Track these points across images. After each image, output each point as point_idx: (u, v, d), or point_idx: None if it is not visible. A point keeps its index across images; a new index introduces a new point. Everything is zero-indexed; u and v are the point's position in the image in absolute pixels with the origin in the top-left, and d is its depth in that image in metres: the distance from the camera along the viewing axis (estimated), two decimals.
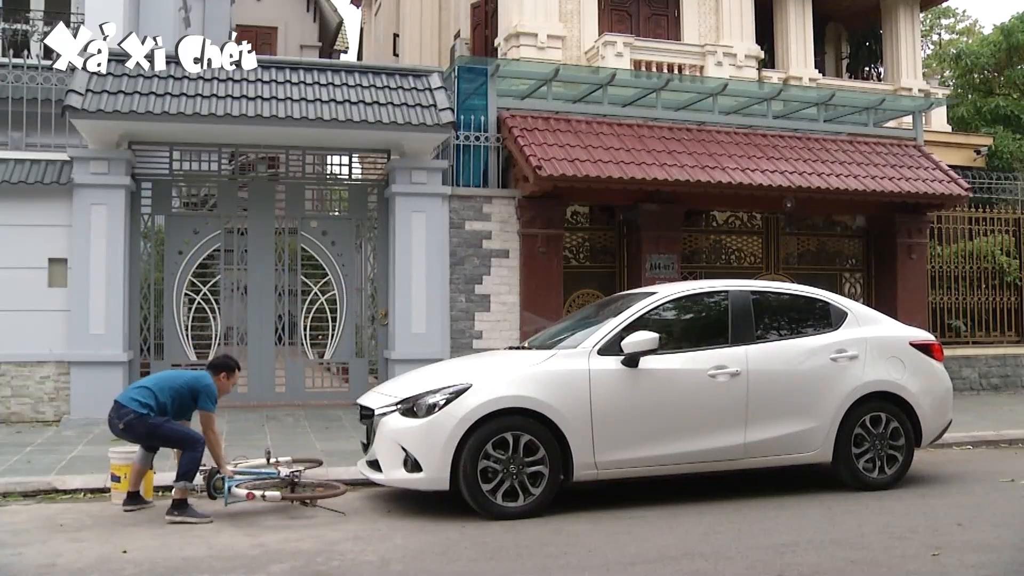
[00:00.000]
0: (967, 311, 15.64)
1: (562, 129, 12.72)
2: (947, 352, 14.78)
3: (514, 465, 6.62)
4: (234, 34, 24.16)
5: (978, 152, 21.56)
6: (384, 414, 6.88)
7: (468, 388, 6.70)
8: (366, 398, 7.45)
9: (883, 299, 14.62)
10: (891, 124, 17.03)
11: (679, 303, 7.79)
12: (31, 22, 14.17)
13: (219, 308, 11.91)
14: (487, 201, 12.49)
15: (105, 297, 10.99)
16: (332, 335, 12.27)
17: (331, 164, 13.63)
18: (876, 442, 7.63)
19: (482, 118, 12.92)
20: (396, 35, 26.37)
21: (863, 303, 14.74)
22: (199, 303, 11.85)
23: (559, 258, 12.58)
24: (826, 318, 7.91)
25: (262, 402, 11.89)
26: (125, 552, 5.71)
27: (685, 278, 13.45)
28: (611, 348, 7.04)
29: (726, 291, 7.78)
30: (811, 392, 7.48)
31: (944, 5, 32.08)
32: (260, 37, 26.90)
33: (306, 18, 30.34)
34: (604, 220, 13.75)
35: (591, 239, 13.61)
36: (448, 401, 6.64)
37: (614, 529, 6.37)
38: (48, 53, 10.52)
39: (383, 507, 7.08)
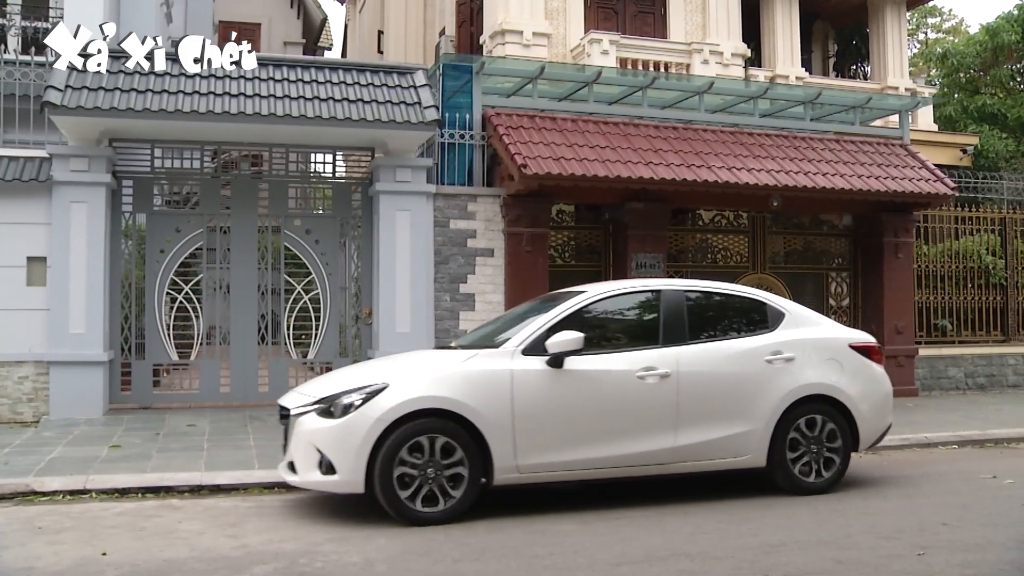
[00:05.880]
0: (953, 310, 15.66)
1: (547, 127, 12.66)
2: (933, 352, 15.00)
3: (432, 468, 6.40)
4: (217, 31, 24.01)
5: (964, 151, 21.65)
6: (300, 414, 6.68)
7: (384, 388, 6.50)
8: (286, 398, 7.18)
9: (870, 298, 14.66)
10: (877, 123, 17.08)
11: (609, 302, 7.56)
12: (8, 16, 14.01)
13: (201, 307, 11.80)
14: (472, 200, 12.43)
15: (85, 296, 10.86)
16: (316, 334, 12.18)
17: (315, 162, 13.52)
18: (812, 446, 7.43)
19: (467, 116, 12.86)
20: (381, 32, 26.31)
21: (850, 302, 14.93)
22: (181, 302, 11.73)
23: (544, 257, 12.53)
24: (763, 319, 7.71)
25: (245, 401, 11.80)
26: (105, 554, 5.62)
27: (671, 276, 13.45)
28: (536, 348, 6.83)
29: (658, 290, 7.58)
30: (745, 395, 7.28)
31: (930, 4, 32.38)
32: (243, 33, 26.63)
33: (290, 14, 30.19)
34: (590, 219, 13.70)
35: (577, 238, 13.57)
36: (364, 401, 6.44)
37: (600, 529, 6.32)
38: (26, 47, 10.39)
39: (365, 507, 7.01)
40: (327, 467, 6.44)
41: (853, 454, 7.77)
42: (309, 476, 6.58)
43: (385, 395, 6.45)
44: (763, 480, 7.51)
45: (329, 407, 6.54)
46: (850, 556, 5.57)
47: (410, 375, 6.76)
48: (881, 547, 5.78)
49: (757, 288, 13.68)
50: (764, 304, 7.84)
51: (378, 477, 6.32)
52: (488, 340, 7.42)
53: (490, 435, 6.54)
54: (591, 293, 7.45)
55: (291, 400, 7.01)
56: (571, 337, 6.75)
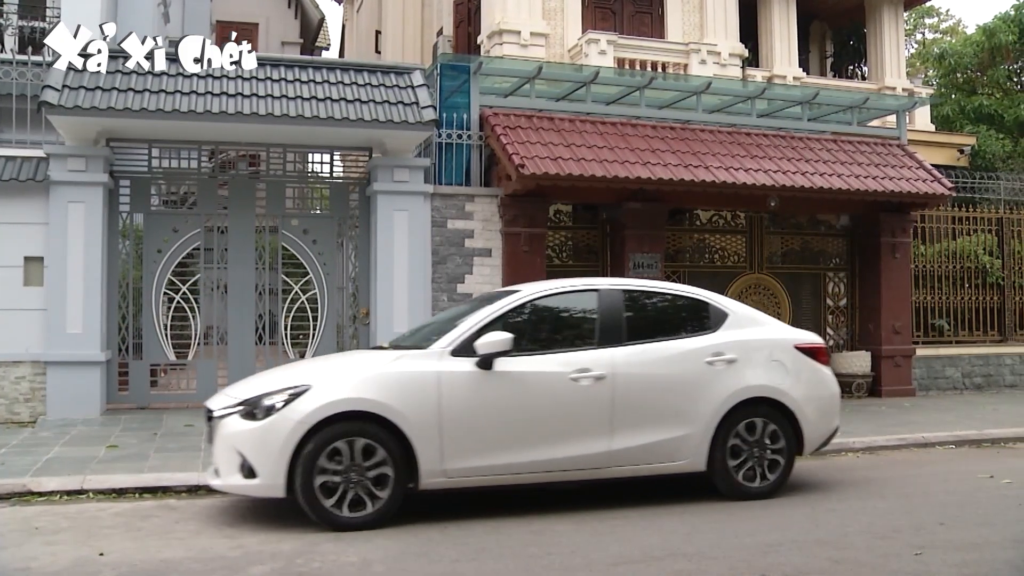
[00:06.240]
0: (950, 310, 15.68)
1: (545, 127, 12.66)
2: (931, 352, 15.02)
3: (355, 472, 6.24)
4: (214, 31, 23.99)
5: (961, 151, 21.68)
6: (223, 416, 6.50)
7: (307, 390, 6.33)
8: (212, 400, 6.98)
9: (867, 298, 14.67)
10: (875, 123, 17.09)
11: (544, 302, 7.32)
12: (5, 16, 13.99)
13: (199, 307, 11.79)
14: (469, 200, 12.43)
15: (82, 296, 10.85)
16: (313, 334, 12.17)
17: (312, 162, 13.52)
18: (754, 450, 7.22)
19: (464, 116, 12.86)
20: (378, 32, 26.27)
21: (847, 302, 14.94)
22: (178, 302, 11.72)
23: (542, 257, 12.53)
24: (705, 319, 7.51)
25: None
26: (102, 555, 5.62)
27: (669, 277, 13.46)
28: (465, 349, 6.63)
29: (596, 290, 7.39)
30: (683, 397, 7.08)
31: (928, 4, 32.37)
32: (241, 33, 26.64)
33: (287, 14, 30.16)
34: (587, 219, 13.71)
35: (574, 238, 13.57)
36: (286, 403, 6.27)
37: (597, 529, 6.32)
38: (23, 47, 10.38)
39: None
40: (248, 471, 6.28)
41: (798, 458, 7.57)
42: (230, 480, 6.42)
43: (307, 397, 6.29)
44: (705, 485, 7.31)
45: (252, 409, 6.36)
46: (847, 556, 5.57)
47: (334, 377, 6.61)
48: (878, 547, 5.78)
49: (757, 286, 13.79)
50: (707, 304, 7.63)
51: (300, 481, 6.16)
52: (420, 340, 7.23)
53: (415, 439, 6.37)
54: (525, 293, 7.26)
55: (216, 402, 6.83)
56: (500, 338, 6.59)
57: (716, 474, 7.16)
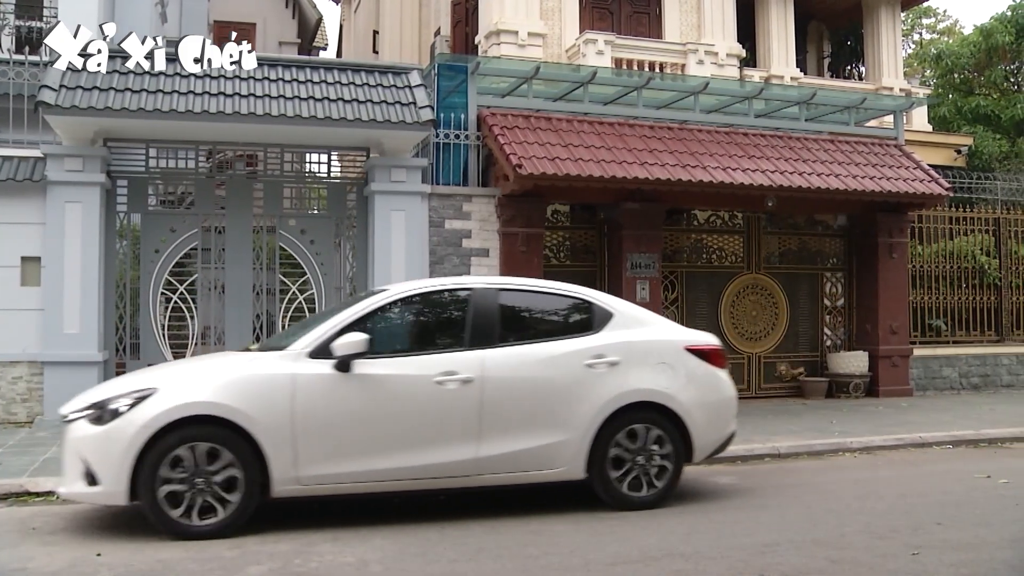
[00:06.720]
0: (947, 311, 15.70)
1: (543, 127, 12.66)
2: (928, 352, 15.03)
3: (202, 478, 5.97)
4: (212, 31, 23.97)
5: (958, 152, 21.71)
6: (72, 421, 6.21)
7: (152, 393, 6.08)
8: (68, 404, 6.58)
9: (864, 298, 14.69)
10: (872, 123, 17.11)
11: (412, 302, 7.03)
12: (3, 15, 13.98)
13: (196, 307, 11.78)
14: (467, 200, 12.43)
15: (80, 296, 10.85)
16: None
17: (310, 162, 13.51)
18: (639, 457, 6.86)
19: (462, 116, 12.87)
20: (376, 32, 26.25)
21: (844, 302, 14.95)
22: (176, 302, 11.70)
23: (539, 257, 12.53)
24: (588, 320, 7.13)
25: None
26: (99, 555, 5.62)
27: (666, 277, 13.49)
28: (324, 351, 6.34)
29: (469, 289, 7.07)
30: (559, 402, 6.71)
31: (925, 5, 32.41)
32: (239, 33, 26.64)
33: (285, 14, 30.11)
34: (585, 219, 13.71)
35: (572, 238, 13.57)
36: (131, 407, 6.00)
37: (595, 529, 6.32)
38: (20, 47, 10.36)
39: (361, 508, 7.00)
40: (91, 478, 6.02)
41: (688, 466, 7.29)
42: (74, 487, 6.16)
43: (152, 401, 6.04)
44: (586, 494, 6.98)
45: (100, 413, 6.10)
46: (845, 556, 5.58)
47: (184, 379, 6.38)
48: (876, 547, 5.79)
49: (755, 286, 13.81)
50: (590, 304, 7.25)
51: (143, 488, 5.91)
52: (282, 341, 6.95)
53: (267, 444, 6.09)
54: (393, 292, 6.99)
55: (69, 406, 6.49)
56: (355, 339, 6.31)
57: (597, 482, 6.82)
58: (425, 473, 6.47)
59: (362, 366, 6.35)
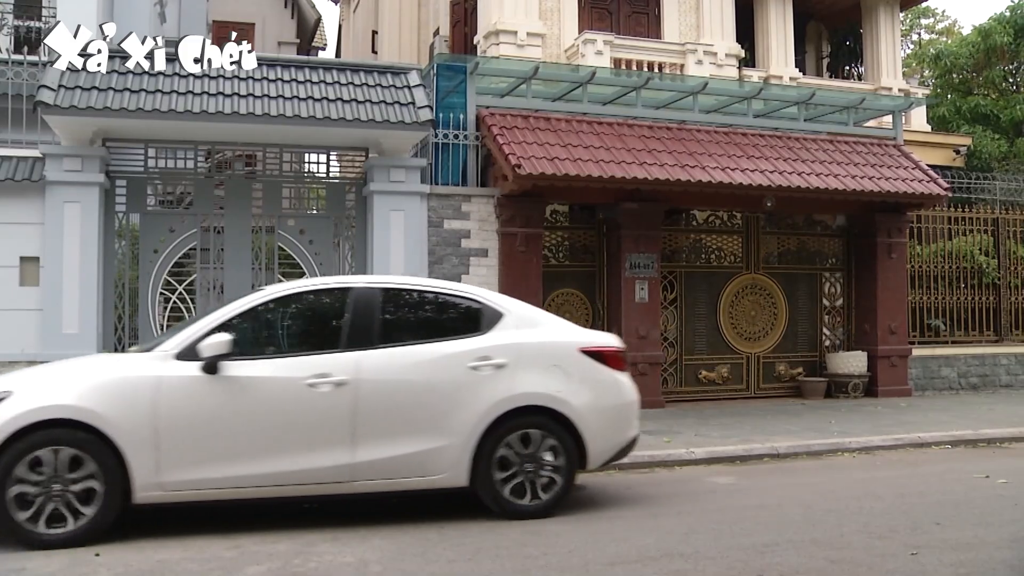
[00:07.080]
0: (946, 311, 15.71)
1: (542, 127, 12.66)
2: (927, 352, 15.03)
3: (58, 485, 5.75)
4: (211, 31, 23.97)
5: (957, 152, 21.70)
6: None
7: (7, 396, 5.88)
8: None
9: (863, 298, 14.70)
10: (871, 123, 17.11)
11: (288, 302, 6.86)
12: (1, 15, 13.97)
13: (195, 307, 11.77)
14: (466, 200, 12.43)
15: (78, 296, 10.84)
16: None
17: (309, 162, 13.50)
18: (527, 464, 6.58)
19: (461, 116, 12.87)
20: (375, 32, 26.26)
21: (843, 302, 14.96)
22: (175, 302, 11.70)
23: (539, 257, 12.53)
24: (475, 320, 6.85)
25: None
26: (98, 555, 5.62)
27: (665, 277, 13.49)
28: (192, 352, 6.13)
29: (348, 289, 6.81)
30: (440, 406, 6.46)
31: (924, 5, 32.44)
32: (238, 33, 26.68)
33: (284, 14, 30.12)
34: (584, 219, 13.71)
35: (571, 238, 13.57)
36: None
37: (594, 529, 6.32)
38: (19, 47, 10.35)
39: (361, 507, 7.01)
40: None
41: (584, 473, 7.10)
42: None
43: (6, 404, 5.84)
44: (472, 502, 6.75)
45: None
46: (844, 555, 5.58)
47: (43, 382, 6.17)
48: (875, 546, 5.79)
49: (754, 286, 13.81)
50: (478, 303, 6.99)
51: None
52: (154, 343, 6.75)
53: (127, 448, 5.88)
54: (268, 292, 6.80)
55: None
56: (220, 340, 6.12)
57: (481, 490, 6.56)
58: (296, 479, 6.27)
59: (231, 368, 6.17)
